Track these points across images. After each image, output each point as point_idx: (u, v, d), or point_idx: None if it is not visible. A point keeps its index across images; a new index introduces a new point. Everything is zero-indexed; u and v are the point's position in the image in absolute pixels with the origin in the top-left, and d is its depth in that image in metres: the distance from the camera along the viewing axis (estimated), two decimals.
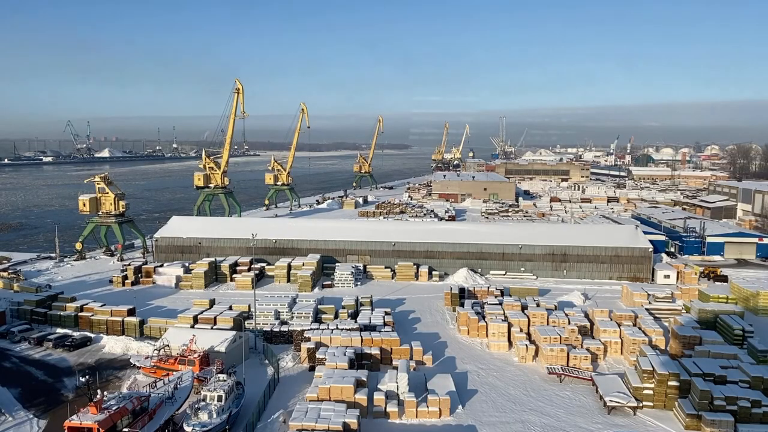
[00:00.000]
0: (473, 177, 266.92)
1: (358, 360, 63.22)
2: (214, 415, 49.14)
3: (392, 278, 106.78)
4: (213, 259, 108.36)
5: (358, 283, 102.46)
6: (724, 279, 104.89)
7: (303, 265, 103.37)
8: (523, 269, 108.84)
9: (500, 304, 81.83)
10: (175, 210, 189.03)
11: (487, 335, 73.30)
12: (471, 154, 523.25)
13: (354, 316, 78.85)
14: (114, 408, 45.04)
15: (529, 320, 74.86)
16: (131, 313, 79.10)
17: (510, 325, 73.40)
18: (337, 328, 71.44)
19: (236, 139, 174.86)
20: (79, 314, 79.26)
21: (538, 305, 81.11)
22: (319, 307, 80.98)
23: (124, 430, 44.72)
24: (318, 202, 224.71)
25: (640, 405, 54.65)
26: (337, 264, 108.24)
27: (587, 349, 66.47)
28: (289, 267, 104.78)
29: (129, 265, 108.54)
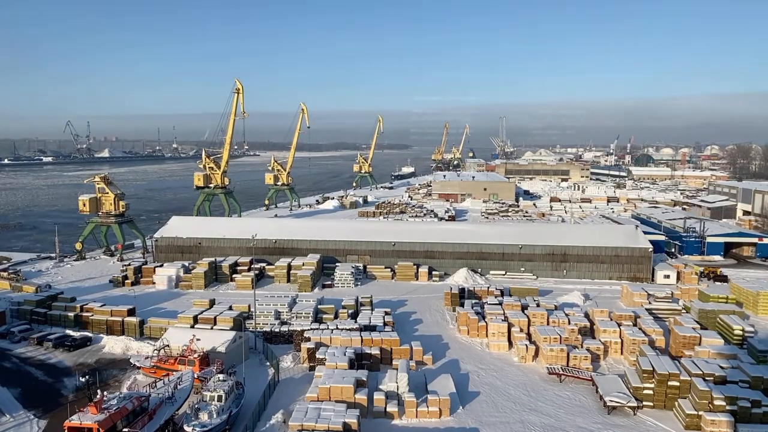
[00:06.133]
0: (473, 177, 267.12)
1: (358, 360, 63.17)
2: (214, 415, 49.07)
3: (392, 278, 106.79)
4: (213, 259, 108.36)
5: (358, 283, 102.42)
6: (724, 279, 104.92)
7: (303, 265, 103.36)
8: (523, 269, 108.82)
9: (500, 304, 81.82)
10: (175, 210, 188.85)
11: (487, 335, 73.27)
12: (471, 154, 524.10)
13: (354, 316, 78.83)
14: (114, 408, 45.00)
15: (529, 320, 74.83)
16: (131, 313, 79.12)
17: (510, 325, 73.37)
18: (337, 328, 71.45)
19: (236, 139, 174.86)
20: (80, 314, 79.25)
21: (538, 305, 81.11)
22: (319, 307, 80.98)
23: (124, 430, 44.73)
24: (318, 202, 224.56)
25: (640, 405, 54.63)
26: (337, 264, 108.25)
27: (587, 349, 66.45)
28: (289, 267, 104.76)
29: (129, 265, 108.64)
